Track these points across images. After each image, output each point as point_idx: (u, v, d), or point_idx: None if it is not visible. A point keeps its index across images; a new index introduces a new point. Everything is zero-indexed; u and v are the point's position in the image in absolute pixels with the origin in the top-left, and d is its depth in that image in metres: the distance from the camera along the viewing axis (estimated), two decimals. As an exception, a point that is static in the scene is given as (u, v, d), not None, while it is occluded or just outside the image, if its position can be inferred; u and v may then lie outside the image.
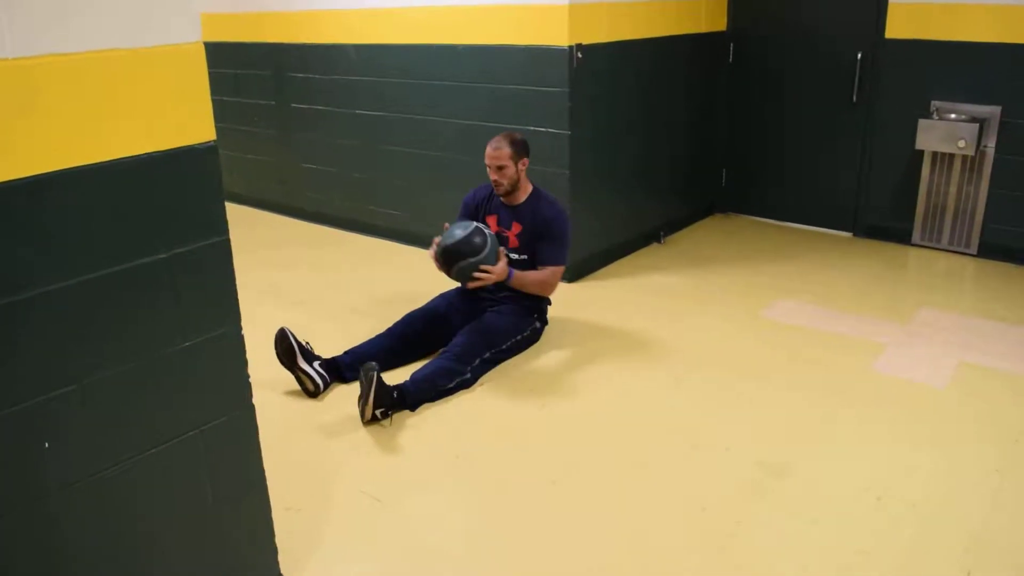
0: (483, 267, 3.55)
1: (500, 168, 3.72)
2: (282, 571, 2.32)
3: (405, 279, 4.85)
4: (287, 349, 3.42)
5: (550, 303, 4.00)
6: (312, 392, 3.45)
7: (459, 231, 3.57)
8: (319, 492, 2.84)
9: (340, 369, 3.56)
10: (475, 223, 3.64)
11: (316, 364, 3.48)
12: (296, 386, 3.48)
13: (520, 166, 3.77)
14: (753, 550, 2.52)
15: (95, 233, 1.73)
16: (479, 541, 2.60)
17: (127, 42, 1.70)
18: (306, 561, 2.49)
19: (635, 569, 2.45)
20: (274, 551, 2.28)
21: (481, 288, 3.72)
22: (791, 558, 2.48)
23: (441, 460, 3.04)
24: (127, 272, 1.79)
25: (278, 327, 3.47)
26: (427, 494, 2.84)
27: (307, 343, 3.53)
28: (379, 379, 3.16)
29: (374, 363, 3.19)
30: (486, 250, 3.56)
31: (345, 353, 3.62)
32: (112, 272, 1.76)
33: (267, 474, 2.22)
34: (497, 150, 3.71)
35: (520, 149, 3.75)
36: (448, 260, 3.59)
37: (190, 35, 1.80)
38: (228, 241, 1.96)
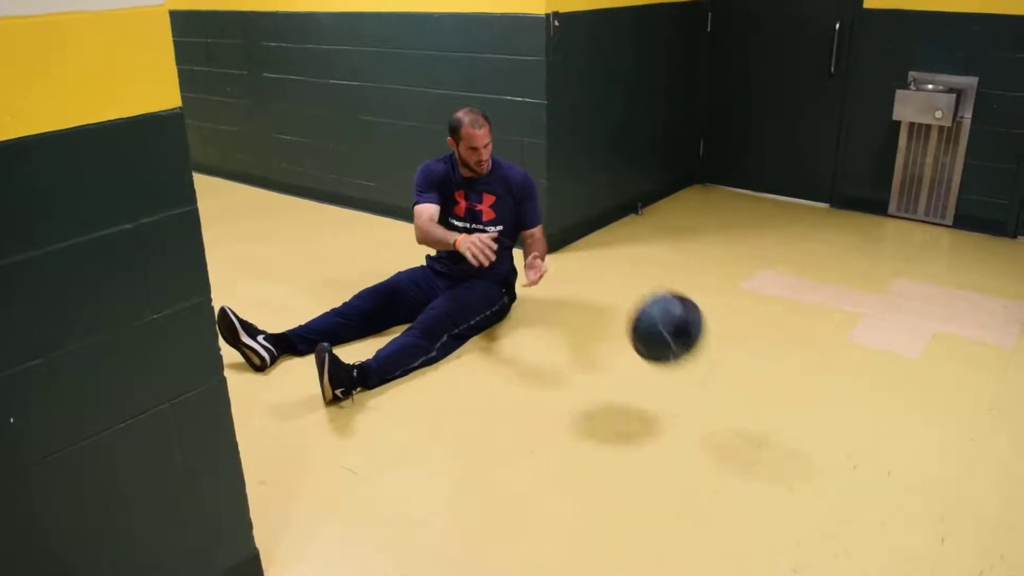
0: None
1: (487, 146, 3.64)
2: (257, 545, 2.30)
3: (379, 251, 4.79)
4: (228, 326, 3.40)
5: (516, 276, 3.97)
6: (259, 366, 3.43)
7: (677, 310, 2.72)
8: (291, 466, 2.81)
9: (292, 342, 3.54)
10: (673, 297, 2.78)
11: (260, 338, 3.47)
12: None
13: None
14: (732, 519, 2.53)
15: (57, 203, 1.66)
16: (458, 513, 2.59)
17: (88, 4, 1.63)
18: (281, 534, 2.47)
19: (613, 538, 2.45)
20: (248, 525, 2.26)
21: (442, 264, 3.81)
22: (769, 527, 2.48)
23: (414, 433, 3.02)
24: (91, 243, 1.73)
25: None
26: (403, 467, 2.82)
27: (247, 321, 3.50)
28: (332, 358, 3.11)
29: (325, 343, 3.14)
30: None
31: (298, 327, 3.60)
32: (76, 243, 1.71)
33: (238, 448, 2.19)
34: (483, 128, 3.60)
35: (490, 124, 3.68)
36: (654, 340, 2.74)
37: (154, -3, 1.74)
38: (196, 211, 1.91)
